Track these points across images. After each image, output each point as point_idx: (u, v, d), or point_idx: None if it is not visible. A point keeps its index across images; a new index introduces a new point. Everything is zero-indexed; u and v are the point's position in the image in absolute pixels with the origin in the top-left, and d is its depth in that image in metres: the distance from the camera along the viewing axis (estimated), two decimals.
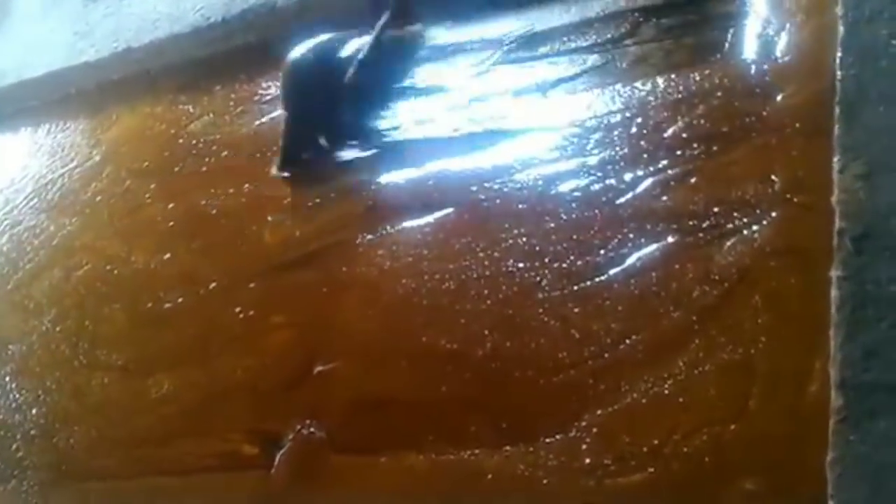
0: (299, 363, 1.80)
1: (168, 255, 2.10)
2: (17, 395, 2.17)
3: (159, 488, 1.86)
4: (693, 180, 1.54)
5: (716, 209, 1.50)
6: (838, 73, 1.34)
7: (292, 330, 1.85)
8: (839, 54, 1.34)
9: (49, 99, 2.47)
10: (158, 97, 2.27)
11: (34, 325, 2.23)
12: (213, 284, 1.98)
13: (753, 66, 1.55)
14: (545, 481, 1.46)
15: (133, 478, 1.90)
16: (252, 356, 1.86)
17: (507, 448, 1.52)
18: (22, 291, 2.30)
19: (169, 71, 2.25)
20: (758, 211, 1.46)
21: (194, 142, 2.19)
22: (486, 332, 1.62)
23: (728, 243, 1.46)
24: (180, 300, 2.01)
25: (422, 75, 1.95)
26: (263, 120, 2.09)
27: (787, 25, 1.54)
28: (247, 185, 2.04)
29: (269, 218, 1.97)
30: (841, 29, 1.35)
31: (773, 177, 1.47)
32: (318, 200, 1.93)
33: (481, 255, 1.70)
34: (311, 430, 1.73)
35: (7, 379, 2.21)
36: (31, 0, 2.46)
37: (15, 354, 2.23)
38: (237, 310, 1.92)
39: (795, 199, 1.44)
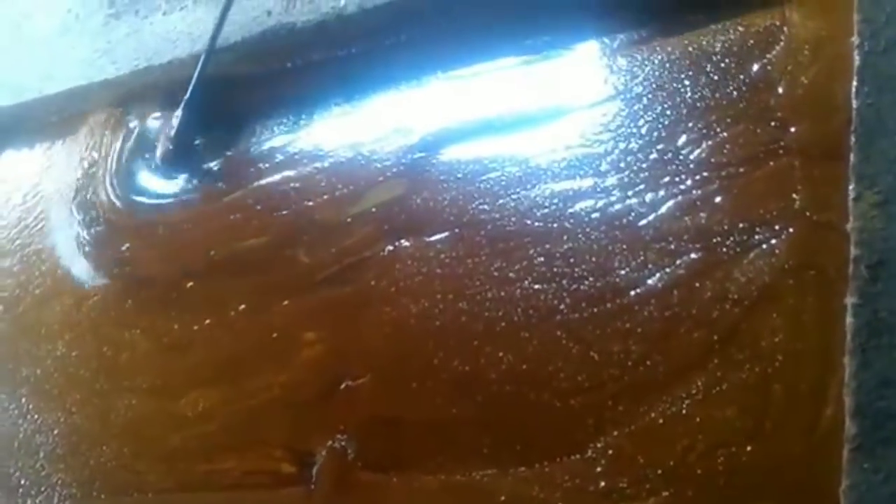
0: (330, 378, 1.81)
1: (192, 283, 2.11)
2: (37, 416, 2.18)
3: (204, 503, 1.87)
4: (717, 200, 1.55)
5: (736, 228, 1.51)
6: (854, 102, 1.35)
7: (323, 345, 1.86)
8: (855, 84, 1.35)
9: (67, 115, 2.49)
10: None
11: (48, 349, 2.24)
12: (243, 306, 1.99)
13: (773, 97, 1.56)
14: None
15: (176, 492, 1.91)
16: (286, 373, 1.87)
17: (522, 469, 1.52)
18: (31, 315, 2.31)
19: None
20: (776, 227, 1.47)
21: None
22: (501, 354, 1.62)
23: (747, 261, 1.48)
24: (207, 322, 2.02)
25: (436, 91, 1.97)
26: None
27: (805, 54, 1.56)
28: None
29: (305, 237, 1.97)
30: (857, 59, 1.36)
31: (793, 195, 1.48)
32: (349, 220, 1.93)
33: (497, 275, 1.70)
34: (343, 444, 1.74)
35: (23, 400, 2.22)
36: (53, 16, 2.49)
37: (30, 377, 2.23)
38: (270, 327, 1.93)
39: (815, 218, 1.44)
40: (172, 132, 2.15)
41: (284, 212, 2.03)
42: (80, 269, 2.30)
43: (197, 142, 2.21)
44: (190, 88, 2.09)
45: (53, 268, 2.34)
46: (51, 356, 2.23)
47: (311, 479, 1.74)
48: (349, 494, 1.70)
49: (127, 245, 2.26)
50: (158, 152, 2.21)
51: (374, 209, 1.90)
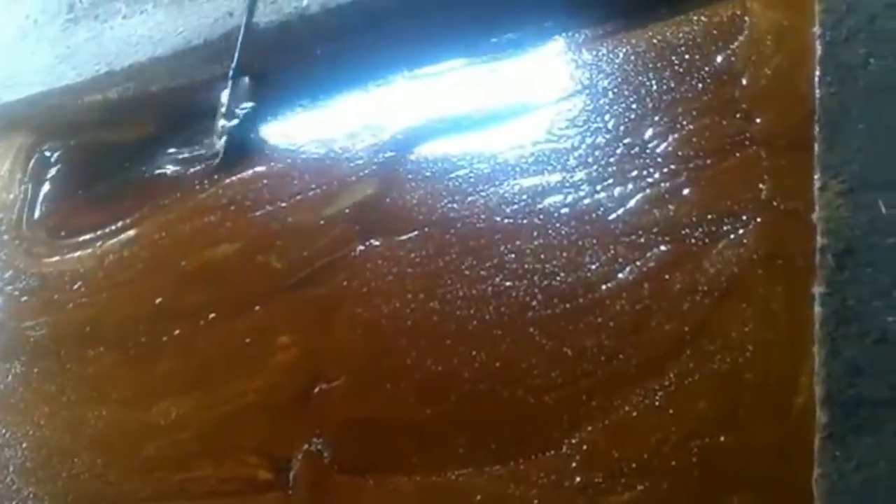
0: (304, 382, 1.80)
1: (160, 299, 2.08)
2: (4, 430, 2.15)
3: None
4: (685, 192, 1.55)
5: (704, 219, 1.52)
6: (817, 92, 1.35)
7: (297, 348, 1.85)
8: (817, 74, 1.36)
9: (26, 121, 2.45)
10: None
11: (5, 367, 2.21)
12: (213, 315, 1.97)
13: (737, 88, 1.57)
14: (536, 502, 1.46)
15: (152, 501, 1.89)
16: (260, 377, 1.86)
17: (497, 468, 1.51)
18: None
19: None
20: (744, 217, 1.48)
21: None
22: (474, 352, 1.62)
23: (716, 252, 1.48)
24: (177, 332, 2.00)
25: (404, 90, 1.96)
26: None
27: (768, 45, 1.57)
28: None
29: (278, 242, 1.96)
30: (819, 49, 1.37)
31: (760, 185, 1.49)
32: (322, 222, 1.92)
33: (468, 273, 1.70)
34: (319, 447, 1.73)
35: None
36: (11, 22, 2.45)
37: None
38: (242, 334, 1.91)
39: (782, 207, 1.45)
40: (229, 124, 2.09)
41: (258, 213, 2.01)
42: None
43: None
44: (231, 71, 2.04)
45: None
46: (10, 373, 2.20)
47: (287, 484, 1.73)
48: (326, 498, 1.69)
49: (79, 283, 2.23)
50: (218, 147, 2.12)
51: (347, 210, 1.89)
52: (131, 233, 2.19)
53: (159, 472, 1.90)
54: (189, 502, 1.84)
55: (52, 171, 2.38)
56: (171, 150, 2.22)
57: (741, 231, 1.48)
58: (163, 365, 1.99)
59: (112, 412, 2.01)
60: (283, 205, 1.99)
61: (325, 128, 2.03)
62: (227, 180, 2.09)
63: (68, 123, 2.39)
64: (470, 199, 1.76)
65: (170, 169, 2.21)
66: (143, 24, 2.14)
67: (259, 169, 2.07)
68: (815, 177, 1.33)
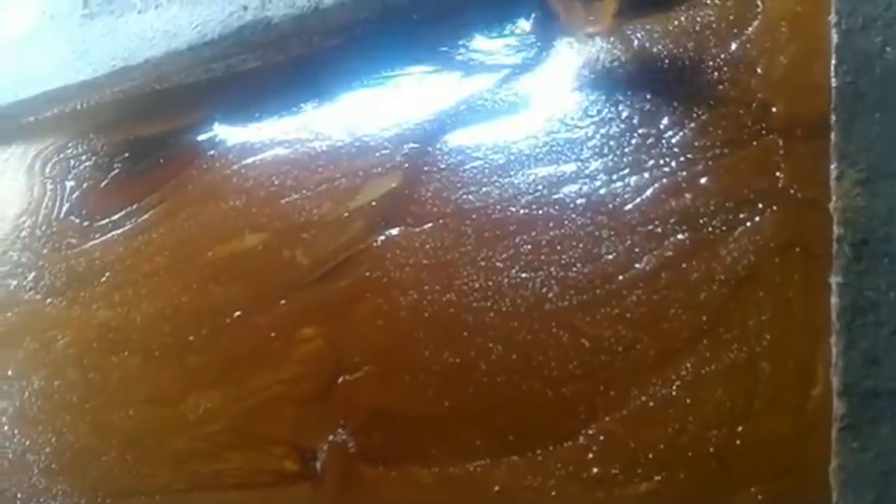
0: (328, 373, 1.82)
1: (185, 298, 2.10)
2: (24, 440, 2.19)
3: (212, 502, 1.88)
4: (701, 181, 1.55)
5: (721, 208, 1.51)
6: (833, 80, 1.34)
7: (321, 340, 1.86)
8: (834, 62, 1.35)
9: (44, 119, 2.47)
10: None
11: (21, 385, 2.25)
12: (239, 312, 1.99)
13: (753, 77, 1.56)
14: (553, 493, 1.47)
15: (186, 492, 1.92)
16: (286, 370, 1.88)
17: (515, 458, 1.53)
18: None
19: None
20: (761, 206, 1.47)
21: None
22: (491, 344, 1.63)
23: (732, 240, 1.48)
24: (203, 331, 2.02)
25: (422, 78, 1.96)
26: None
27: (783, 31, 1.55)
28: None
29: (304, 236, 1.97)
30: (835, 37, 1.35)
31: (777, 173, 1.48)
32: (346, 215, 1.92)
33: (483, 264, 1.70)
34: (343, 438, 1.75)
35: (5, 428, 2.23)
36: (27, 18, 2.46)
37: (7, 409, 2.25)
38: (268, 328, 1.93)
39: (799, 195, 1.45)
40: None
41: (283, 201, 2.02)
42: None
43: None
44: None
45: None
46: (28, 389, 2.24)
47: (315, 474, 1.75)
48: (354, 489, 1.71)
49: (107, 275, 2.25)
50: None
51: (373, 203, 1.89)
52: (159, 211, 2.20)
53: (191, 463, 1.93)
54: (222, 493, 1.87)
55: (78, 169, 2.39)
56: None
57: (758, 219, 1.47)
58: (189, 362, 2.02)
59: (139, 411, 2.05)
60: (309, 193, 1.99)
61: (349, 117, 2.02)
62: (251, 160, 2.09)
63: (91, 121, 2.40)
64: (485, 189, 1.76)
65: (198, 148, 2.22)
66: (157, 18, 2.14)
67: (282, 152, 2.07)
68: (832, 166, 1.32)
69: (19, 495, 2.11)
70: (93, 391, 2.12)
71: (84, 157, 2.39)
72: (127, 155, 2.32)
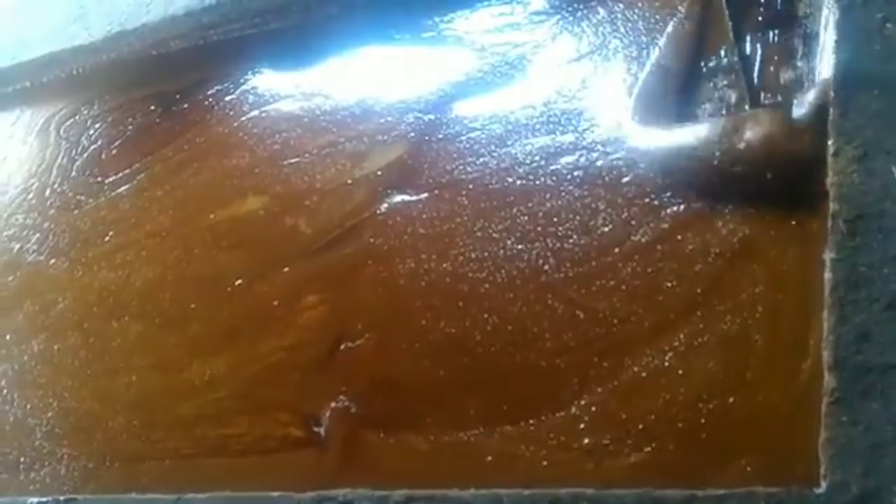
0: (331, 339, 1.82)
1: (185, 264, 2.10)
2: (25, 403, 2.20)
3: (220, 468, 1.88)
4: None
5: None
6: (833, 56, 1.33)
7: (324, 306, 1.87)
8: (834, 38, 1.34)
9: (50, 83, 2.45)
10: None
11: (21, 349, 2.26)
12: (240, 280, 1.99)
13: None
14: (545, 463, 1.49)
15: (195, 457, 1.93)
16: (289, 336, 1.89)
17: (508, 428, 1.54)
18: None
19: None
20: None
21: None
22: (486, 315, 1.64)
23: (728, 212, 1.48)
24: (204, 298, 2.03)
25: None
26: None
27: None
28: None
29: (306, 203, 1.96)
30: (835, 13, 1.35)
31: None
32: (350, 182, 1.92)
33: (479, 235, 1.71)
34: (346, 404, 1.76)
35: (4, 392, 2.24)
36: None
37: (7, 372, 2.25)
38: (270, 296, 1.93)
39: None
40: None
41: (285, 162, 2.01)
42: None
43: None
44: None
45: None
46: (27, 353, 2.25)
47: (320, 440, 1.76)
48: (357, 455, 1.72)
49: (111, 234, 2.25)
50: None
51: (379, 172, 1.88)
52: (167, 165, 2.21)
53: (199, 428, 1.94)
54: (230, 459, 1.88)
55: (94, 129, 2.38)
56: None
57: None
58: (192, 329, 2.02)
59: (143, 377, 2.05)
60: (312, 158, 1.99)
61: (351, 80, 2.02)
62: (256, 112, 2.09)
63: (104, 83, 2.39)
64: (482, 160, 1.76)
65: (208, 102, 2.21)
66: None
67: (286, 108, 2.07)
68: (829, 142, 1.31)
69: (22, 459, 2.13)
70: (94, 356, 2.13)
71: (99, 118, 2.38)
72: (141, 113, 2.31)
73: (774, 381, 1.37)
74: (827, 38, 1.39)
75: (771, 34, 1.55)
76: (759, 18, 1.57)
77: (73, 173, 2.36)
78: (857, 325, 1.24)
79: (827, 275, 1.28)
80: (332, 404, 1.77)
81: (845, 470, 1.20)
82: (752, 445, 1.35)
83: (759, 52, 1.55)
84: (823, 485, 1.21)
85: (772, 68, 1.54)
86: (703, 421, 1.40)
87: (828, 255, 1.29)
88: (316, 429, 1.78)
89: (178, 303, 2.06)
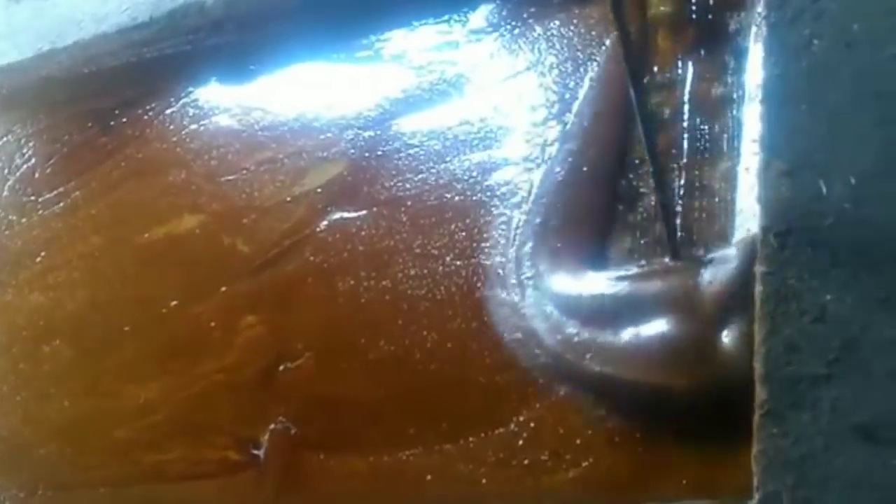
0: (270, 360, 1.80)
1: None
2: None
3: (156, 495, 1.84)
4: None
5: None
6: (762, 72, 1.36)
7: (263, 326, 1.84)
8: (763, 55, 1.36)
9: None
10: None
11: None
12: (175, 301, 1.95)
13: None
14: (484, 481, 1.48)
15: (127, 484, 1.88)
16: (227, 357, 1.85)
17: (448, 447, 1.53)
18: None
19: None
20: None
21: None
22: (425, 332, 1.63)
23: None
24: (138, 321, 1.98)
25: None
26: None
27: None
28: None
29: (244, 221, 1.93)
30: (764, 30, 1.37)
31: None
32: (288, 199, 1.90)
33: (418, 252, 1.70)
34: (285, 426, 1.73)
35: None
36: None
37: None
38: (207, 317, 1.90)
39: None
40: None
41: (222, 179, 1.98)
42: None
43: None
44: None
45: None
46: None
47: (258, 464, 1.73)
48: (297, 479, 1.69)
49: (42, 255, 2.19)
50: None
51: (319, 189, 1.87)
52: (101, 183, 2.16)
53: (133, 455, 1.89)
54: (167, 485, 1.83)
55: (28, 147, 2.33)
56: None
57: None
58: (125, 352, 1.97)
59: (75, 403, 2.00)
60: (249, 174, 1.96)
61: (289, 96, 2.01)
62: (194, 126, 2.06)
63: (40, 101, 2.34)
64: (421, 176, 1.75)
65: (145, 119, 2.17)
66: (87, 1, 2.10)
67: (226, 124, 2.04)
68: (760, 157, 1.33)
69: None
70: (23, 382, 2.07)
71: (33, 136, 2.32)
72: (77, 130, 2.26)
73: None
74: (755, 53, 1.42)
75: (701, 50, 1.58)
76: (691, 35, 1.60)
77: (6, 193, 2.30)
78: (786, 337, 1.25)
79: (758, 288, 1.29)
80: (271, 426, 1.74)
81: (777, 481, 1.21)
82: (688, 459, 1.35)
83: (691, 70, 1.58)
84: (756, 496, 1.21)
85: (704, 84, 1.56)
86: (638, 435, 1.40)
87: (758, 269, 1.30)
88: (255, 452, 1.74)
89: (112, 325, 2.00)
